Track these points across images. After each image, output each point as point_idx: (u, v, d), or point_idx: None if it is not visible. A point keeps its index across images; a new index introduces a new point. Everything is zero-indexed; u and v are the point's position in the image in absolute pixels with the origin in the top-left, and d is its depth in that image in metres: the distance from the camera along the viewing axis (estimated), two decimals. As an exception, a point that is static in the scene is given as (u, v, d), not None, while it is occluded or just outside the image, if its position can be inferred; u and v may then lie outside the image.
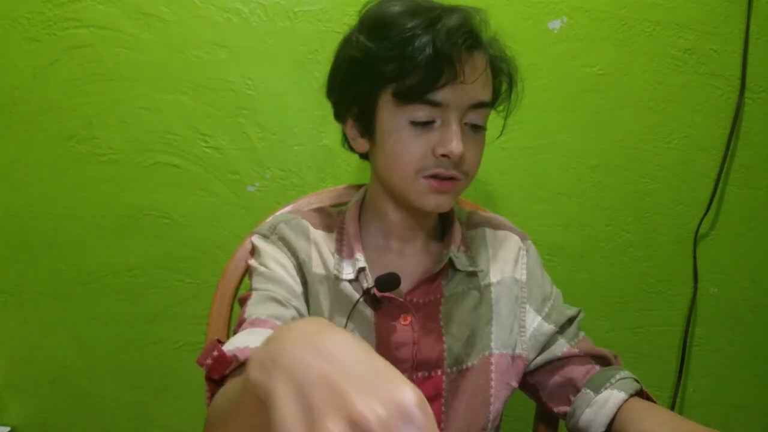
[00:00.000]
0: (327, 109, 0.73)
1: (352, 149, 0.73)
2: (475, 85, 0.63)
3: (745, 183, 1.11)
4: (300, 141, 1.01)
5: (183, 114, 0.98)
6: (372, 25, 0.65)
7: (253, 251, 0.71)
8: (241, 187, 1.01)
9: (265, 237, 0.71)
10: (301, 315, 0.65)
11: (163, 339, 1.04)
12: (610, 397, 0.66)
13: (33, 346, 1.03)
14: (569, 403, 0.72)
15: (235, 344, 0.55)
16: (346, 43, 0.68)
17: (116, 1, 0.94)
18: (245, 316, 0.62)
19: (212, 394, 0.56)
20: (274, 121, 1.00)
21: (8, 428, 1.04)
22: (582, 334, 0.75)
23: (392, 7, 0.63)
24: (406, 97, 0.62)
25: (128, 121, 0.98)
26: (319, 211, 0.77)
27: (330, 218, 0.75)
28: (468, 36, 0.61)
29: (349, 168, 1.03)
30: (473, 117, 0.64)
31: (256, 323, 0.60)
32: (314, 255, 0.70)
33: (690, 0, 1.04)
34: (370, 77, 0.64)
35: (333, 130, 1.00)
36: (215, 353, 0.53)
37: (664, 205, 1.10)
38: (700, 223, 1.10)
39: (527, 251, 0.79)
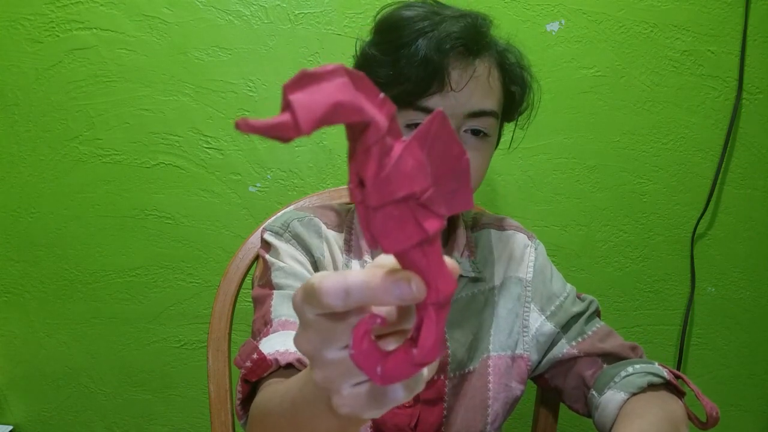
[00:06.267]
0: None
1: None
2: (471, 93, 0.61)
3: (742, 183, 1.12)
4: (301, 142, 1.02)
5: (185, 115, 0.99)
6: (377, 28, 0.66)
7: (267, 247, 0.70)
8: (242, 187, 1.02)
9: (278, 234, 0.70)
10: None
11: (165, 338, 1.05)
12: (611, 400, 0.65)
13: (36, 345, 1.04)
14: (587, 402, 0.71)
15: (274, 347, 0.55)
16: (359, 45, 0.69)
17: (119, 3, 0.95)
18: (272, 316, 0.61)
19: (245, 395, 0.56)
20: (275, 122, 1.01)
21: (11, 427, 1.05)
22: (592, 330, 0.72)
23: (398, 12, 0.64)
24: (398, 102, 0.62)
25: (130, 123, 0.98)
26: (329, 208, 0.76)
27: (339, 217, 0.75)
28: (461, 43, 0.60)
29: (350, 169, 1.04)
30: (473, 124, 0.63)
31: (286, 325, 0.59)
32: (326, 253, 0.70)
33: (687, 2, 1.05)
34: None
35: (334, 131, 1.01)
36: (255, 356, 0.53)
37: (661, 205, 1.11)
38: (697, 224, 1.11)
39: (535, 249, 0.78)
